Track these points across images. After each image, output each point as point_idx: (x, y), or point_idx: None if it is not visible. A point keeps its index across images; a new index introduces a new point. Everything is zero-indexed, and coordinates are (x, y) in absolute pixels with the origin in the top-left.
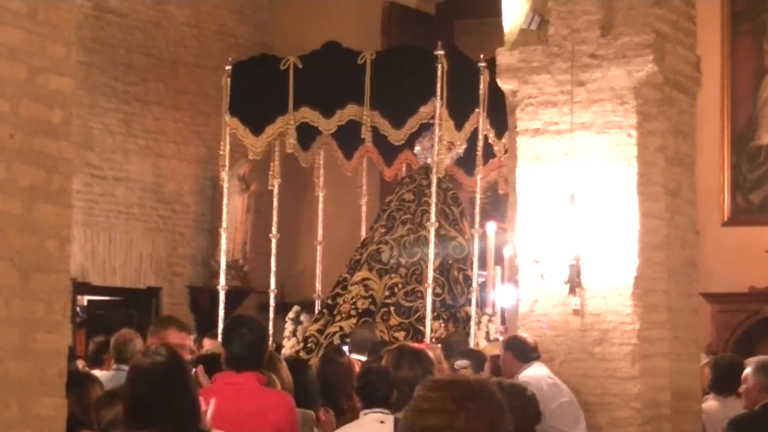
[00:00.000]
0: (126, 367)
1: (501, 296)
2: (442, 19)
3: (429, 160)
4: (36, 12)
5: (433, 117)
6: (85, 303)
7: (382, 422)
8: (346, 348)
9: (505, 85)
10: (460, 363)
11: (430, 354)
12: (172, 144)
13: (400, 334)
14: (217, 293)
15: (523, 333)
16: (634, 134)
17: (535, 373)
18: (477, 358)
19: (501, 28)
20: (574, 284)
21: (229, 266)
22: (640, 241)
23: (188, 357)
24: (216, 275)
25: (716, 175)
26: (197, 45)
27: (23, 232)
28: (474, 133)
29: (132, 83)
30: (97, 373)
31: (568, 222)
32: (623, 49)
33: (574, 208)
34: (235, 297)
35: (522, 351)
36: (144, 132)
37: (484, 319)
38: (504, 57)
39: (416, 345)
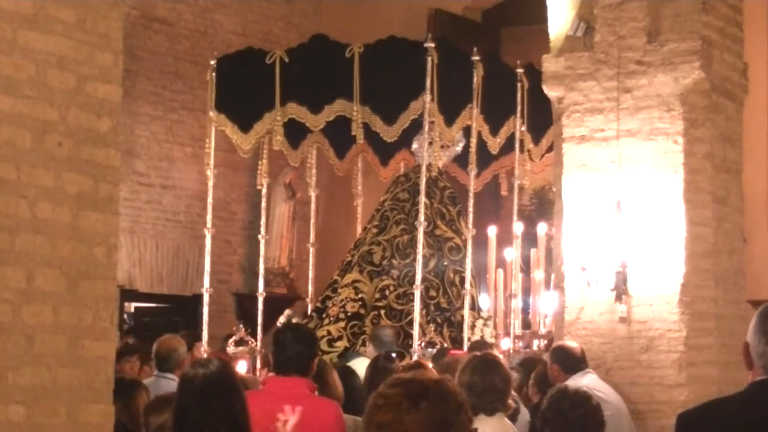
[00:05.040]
0: (171, 376)
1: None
2: (489, 25)
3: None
4: (84, 21)
5: (423, 113)
6: (132, 310)
7: None
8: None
9: (551, 92)
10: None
11: (504, 361)
12: (218, 152)
13: None
14: (264, 301)
15: (569, 342)
16: (680, 141)
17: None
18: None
19: (547, 35)
20: (621, 291)
21: (275, 273)
22: (687, 248)
23: None
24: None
25: (764, 181)
26: None
27: (71, 239)
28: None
29: (179, 91)
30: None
31: (614, 229)
32: (670, 55)
33: (621, 216)
34: (281, 304)
35: (568, 362)
36: (190, 140)
37: (479, 323)
38: (550, 64)
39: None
